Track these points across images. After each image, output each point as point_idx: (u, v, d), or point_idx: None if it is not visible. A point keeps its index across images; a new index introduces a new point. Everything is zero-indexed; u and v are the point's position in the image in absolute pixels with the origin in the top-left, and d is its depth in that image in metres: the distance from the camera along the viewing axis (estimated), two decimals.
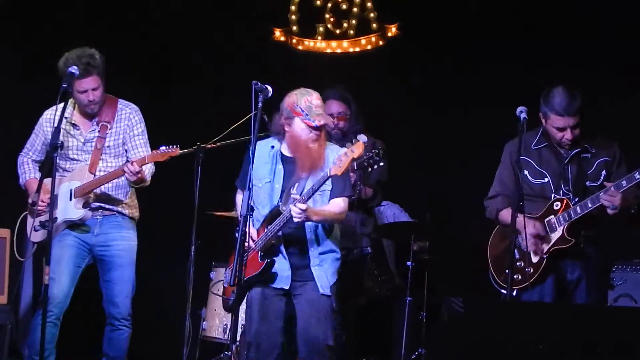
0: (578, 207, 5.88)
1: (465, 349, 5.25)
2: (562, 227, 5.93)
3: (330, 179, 5.87)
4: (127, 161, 6.43)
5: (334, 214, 6.03)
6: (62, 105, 6.15)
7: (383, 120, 7.95)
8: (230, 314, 7.66)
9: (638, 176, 5.68)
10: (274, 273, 5.98)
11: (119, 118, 6.60)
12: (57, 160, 6.28)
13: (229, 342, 7.56)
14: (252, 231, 5.97)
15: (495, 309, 5.44)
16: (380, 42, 9.05)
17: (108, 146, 6.56)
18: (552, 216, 5.99)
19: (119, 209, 6.59)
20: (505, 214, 6.11)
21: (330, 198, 6.00)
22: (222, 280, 6.59)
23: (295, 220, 5.79)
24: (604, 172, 5.99)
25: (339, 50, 9.17)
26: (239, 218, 5.68)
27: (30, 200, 6.46)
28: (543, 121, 6.06)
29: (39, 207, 6.31)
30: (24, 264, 7.11)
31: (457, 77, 8.52)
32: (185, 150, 6.79)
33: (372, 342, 7.98)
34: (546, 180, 6.08)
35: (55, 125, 5.97)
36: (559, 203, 5.99)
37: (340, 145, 6.06)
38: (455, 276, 7.89)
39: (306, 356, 5.98)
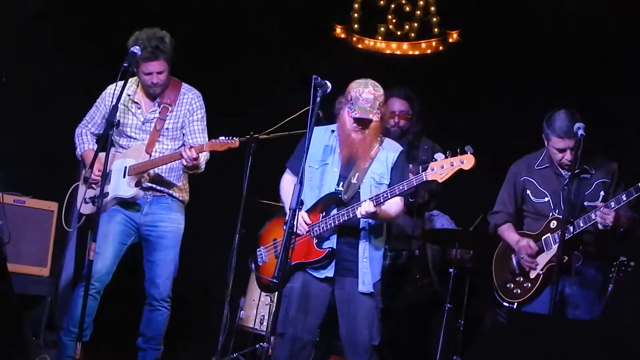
0: (571, 227, 6.11)
1: None
2: (556, 245, 6.17)
3: (391, 176, 5.89)
4: (184, 146, 6.44)
5: (395, 214, 6.01)
6: (121, 83, 6.18)
7: (437, 125, 7.91)
8: (267, 306, 7.70)
9: (625, 198, 5.95)
10: (330, 261, 5.92)
11: (180, 102, 6.62)
12: (115, 137, 6.40)
13: (265, 333, 7.57)
14: (302, 212, 5.89)
15: (538, 323, 5.38)
16: (441, 47, 9.02)
17: (167, 128, 6.58)
18: (548, 234, 6.27)
19: (170, 191, 6.62)
20: (503, 229, 6.53)
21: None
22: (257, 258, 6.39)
23: (358, 215, 5.75)
24: (602, 193, 6.23)
25: (398, 52, 9.15)
26: (284, 203, 5.65)
27: (84, 173, 6.48)
28: (545, 142, 6.34)
29: (93, 178, 6.35)
30: (69, 235, 7.18)
31: (516, 87, 8.45)
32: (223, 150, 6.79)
33: (407, 348, 7.94)
34: (546, 199, 6.37)
35: (114, 102, 6.00)
36: (555, 222, 6.27)
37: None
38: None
39: (352, 357, 5.91)
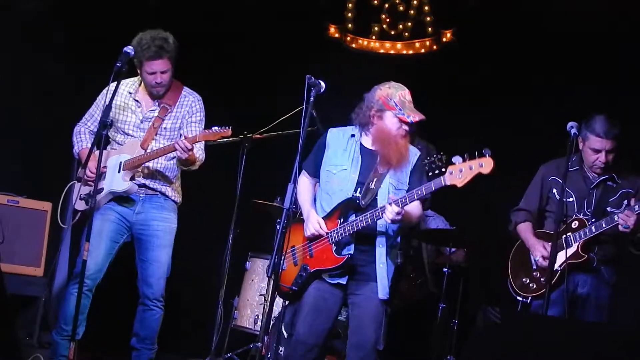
0: (593, 227, 6.28)
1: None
2: (577, 244, 6.34)
3: (410, 180, 5.84)
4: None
5: (416, 217, 5.96)
6: (124, 88, 6.19)
7: (430, 125, 7.90)
8: (261, 306, 7.71)
9: None
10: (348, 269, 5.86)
11: (180, 103, 6.63)
12: (112, 133, 6.45)
13: (259, 333, 7.58)
14: (319, 218, 5.87)
15: (531, 322, 5.38)
16: (435, 47, 9.02)
17: (165, 128, 6.59)
18: (569, 233, 6.39)
19: (163, 190, 6.61)
20: (521, 228, 6.70)
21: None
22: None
23: (388, 220, 5.65)
24: (625, 202, 6.32)
25: (392, 52, 9.14)
26: (302, 205, 5.63)
27: (80, 171, 6.45)
28: (581, 144, 6.46)
29: (89, 176, 6.37)
30: (63, 233, 7.18)
31: (509, 86, 8.45)
32: (231, 139, 6.80)
33: (402, 346, 7.94)
34: (571, 200, 6.50)
35: (108, 103, 6.01)
36: (577, 222, 6.41)
37: None
38: (491, 285, 7.86)
39: (356, 358, 5.81)
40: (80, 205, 6.47)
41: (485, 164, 5.47)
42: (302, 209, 6.01)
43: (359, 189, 5.85)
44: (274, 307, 6.45)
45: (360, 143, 5.94)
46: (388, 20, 9.14)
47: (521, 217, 6.70)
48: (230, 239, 7.18)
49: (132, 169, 6.48)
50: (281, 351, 7.13)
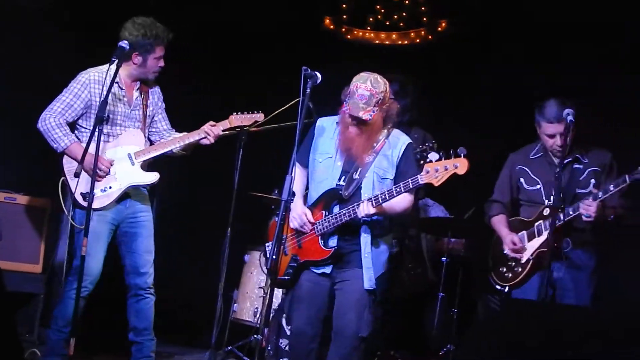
0: (561, 215, 6.24)
1: (496, 348, 5.20)
2: (547, 232, 6.31)
3: (397, 169, 5.84)
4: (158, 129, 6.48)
5: (402, 209, 5.90)
6: (109, 78, 6.16)
7: (428, 115, 7.90)
8: (261, 298, 7.70)
9: (612, 188, 6.08)
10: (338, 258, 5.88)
11: (152, 92, 6.69)
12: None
13: (259, 325, 7.58)
14: (305, 210, 5.89)
15: (531, 310, 5.39)
16: (430, 37, 9.01)
17: (149, 115, 6.64)
18: (540, 221, 6.43)
19: None
20: (494, 221, 6.73)
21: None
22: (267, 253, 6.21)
23: (360, 215, 5.69)
24: (593, 181, 6.34)
25: (387, 42, 9.13)
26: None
27: (78, 167, 6.18)
28: (537, 130, 6.50)
29: (103, 170, 6.34)
30: (61, 230, 7.17)
31: (505, 75, 8.44)
32: (228, 132, 6.80)
33: (402, 336, 7.95)
34: (538, 187, 6.55)
35: (104, 98, 6.01)
36: (547, 210, 6.41)
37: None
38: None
39: (338, 345, 5.86)
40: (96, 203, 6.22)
41: (460, 165, 5.51)
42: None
43: (343, 177, 5.87)
44: (274, 300, 6.45)
45: None
46: (383, 10, 9.13)
47: (494, 210, 6.73)
48: (229, 231, 7.17)
49: (147, 159, 6.51)
50: (282, 344, 7.14)
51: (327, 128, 5.97)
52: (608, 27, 7.90)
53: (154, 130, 6.72)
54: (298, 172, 5.99)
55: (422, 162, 5.90)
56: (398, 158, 5.88)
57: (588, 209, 6.10)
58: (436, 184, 5.55)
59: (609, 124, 6.69)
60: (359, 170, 5.83)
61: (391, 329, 7.66)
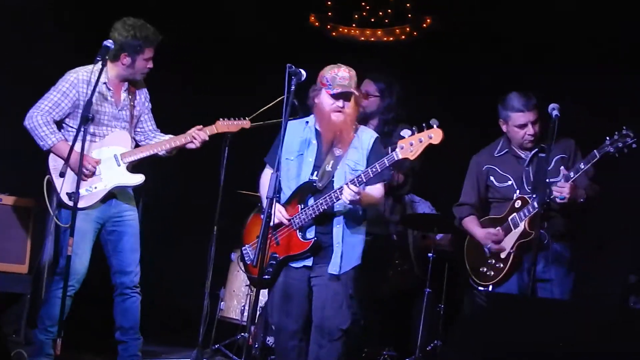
0: (535, 202, 6.22)
1: (482, 343, 5.22)
2: (523, 222, 6.31)
3: (368, 162, 5.88)
4: (143, 130, 6.44)
5: (376, 200, 6.02)
6: (95, 77, 6.15)
7: (414, 111, 7.90)
8: (247, 296, 7.71)
9: (583, 166, 6.06)
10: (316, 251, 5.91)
11: (139, 92, 6.68)
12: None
13: (246, 324, 7.59)
14: (279, 207, 5.90)
15: (517, 305, 5.41)
16: (415, 33, 9.02)
17: (135, 115, 6.61)
18: (514, 214, 6.38)
19: None
20: (466, 222, 6.68)
21: (371, 183, 5.92)
22: (244, 257, 6.23)
23: (346, 201, 5.74)
24: (562, 168, 6.26)
25: (372, 39, 9.14)
26: (263, 198, 5.67)
27: (64, 166, 6.15)
28: (504, 127, 6.49)
29: (89, 170, 6.33)
30: (47, 230, 7.14)
31: (490, 71, 8.45)
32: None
33: (389, 332, 7.97)
34: (509, 183, 6.50)
35: (89, 97, 6.00)
36: (519, 201, 6.38)
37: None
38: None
39: (318, 339, 5.90)
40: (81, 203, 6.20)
41: (434, 135, 5.65)
42: (262, 200, 6.02)
43: (315, 172, 5.94)
44: (260, 298, 6.44)
45: (315, 128, 6.04)
46: (368, 7, 9.14)
47: (465, 212, 6.70)
48: (215, 230, 7.17)
49: (133, 161, 6.49)
50: (269, 341, 7.14)
51: (296, 129, 6.05)
52: (608, 27, 7.94)
53: (139, 130, 6.70)
54: (269, 174, 5.98)
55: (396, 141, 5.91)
56: (368, 151, 5.99)
57: (562, 190, 6.08)
58: (412, 158, 5.70)
59: (608, 124, 6.67)
60: (331, 162, 5.92)
61: (378, 325, 7.68)
